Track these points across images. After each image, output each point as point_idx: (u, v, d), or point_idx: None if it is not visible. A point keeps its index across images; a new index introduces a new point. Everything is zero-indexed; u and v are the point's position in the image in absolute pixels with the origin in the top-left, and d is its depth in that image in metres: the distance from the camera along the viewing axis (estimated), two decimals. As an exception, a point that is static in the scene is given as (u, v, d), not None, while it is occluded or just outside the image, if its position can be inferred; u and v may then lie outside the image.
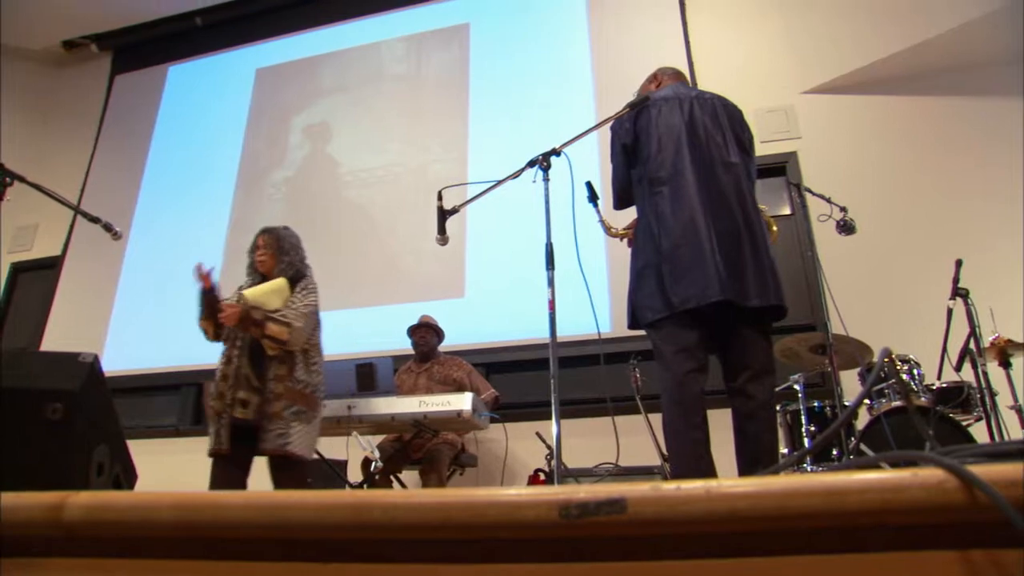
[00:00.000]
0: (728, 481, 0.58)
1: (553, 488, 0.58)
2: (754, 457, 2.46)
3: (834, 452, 3.26)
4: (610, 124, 2.78)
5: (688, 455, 2.40)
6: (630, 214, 2.91)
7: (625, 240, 2.95)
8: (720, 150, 2.66)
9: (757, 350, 2.58)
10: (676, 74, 3.06)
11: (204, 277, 3.20)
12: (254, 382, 3.15)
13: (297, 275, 3.38)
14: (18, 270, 6.80)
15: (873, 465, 0.60)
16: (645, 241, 2.62)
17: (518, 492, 0.58)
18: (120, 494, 0.73)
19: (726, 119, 2.78)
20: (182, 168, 6.61)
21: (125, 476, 1.93)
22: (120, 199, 6.43)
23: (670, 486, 0.58)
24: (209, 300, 3.21)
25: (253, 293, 3.24)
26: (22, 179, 2.70)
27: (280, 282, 3.31)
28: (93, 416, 1.76)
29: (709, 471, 2.43)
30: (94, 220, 3.14)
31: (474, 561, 0.64)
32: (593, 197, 2.82)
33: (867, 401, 3.39)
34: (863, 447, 2.98)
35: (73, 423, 1.74)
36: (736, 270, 2.48)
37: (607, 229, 2.93)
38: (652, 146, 2.66)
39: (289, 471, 3.09)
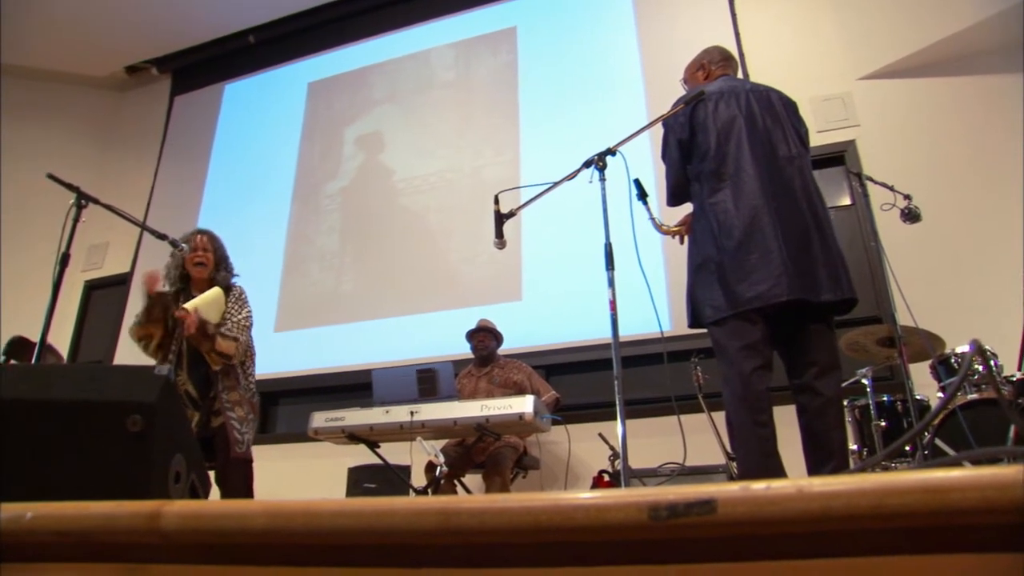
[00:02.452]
0: (819, 479, 0.57)
1: (641, 490, 0.58)
2: (824, 456, 2.41)
3: (907, 448, 3.17)
4: (668, 114, 2.70)
5: (756, 454, 2.36)
6: (681, 210, 2.88)
7: (677, 237, 2.91)
8: (780, 143, 2.61)
9: (823, 345, 2.53)
10: (725, 61, 2.97)
11: (153, 281, 3.17)
12: (195, 398, 3.15)
13: (228, 285, 3.37)
14: (91, 287, 7.07)
15: (955, 463, 0.58)
16: (705, 238, 2.57)
17: (606, 495, 0.58)
18: (213, 503, 0.75)
19: (783, 111, 2.72)
20: (240, 183, 6.79)
21: (200, 484, 1.99)
22: (183, 215, 6.62)
23: (760, 485, 0.57)
24: (160, 305, 3.16)
25: (197, 306, 3.15)
26: (96, 201, 2.82)
27: (217, 292, 3.27)
28: (169, 427, 1.82)
29: (778, 470, 2.38)
30: (161, 237, 3.25)
31: (561, 564, 0.64)
32: (642, 195, 2.78)
33: (940, 395, 3.28)
34: (938, 442, 2.88)
35: (152, 434, 1.80)
36: (806, 266, 2.43)
37: (658, 226, 2.88)
38: (710, 141, 2.61)
39: (247, 472, 3.17)
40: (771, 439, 2.39)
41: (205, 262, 3.30)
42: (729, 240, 2.47)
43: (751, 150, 2.56)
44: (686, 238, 2.84)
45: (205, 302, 3.18)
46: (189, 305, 3.12)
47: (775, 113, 2.70)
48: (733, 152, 2.57)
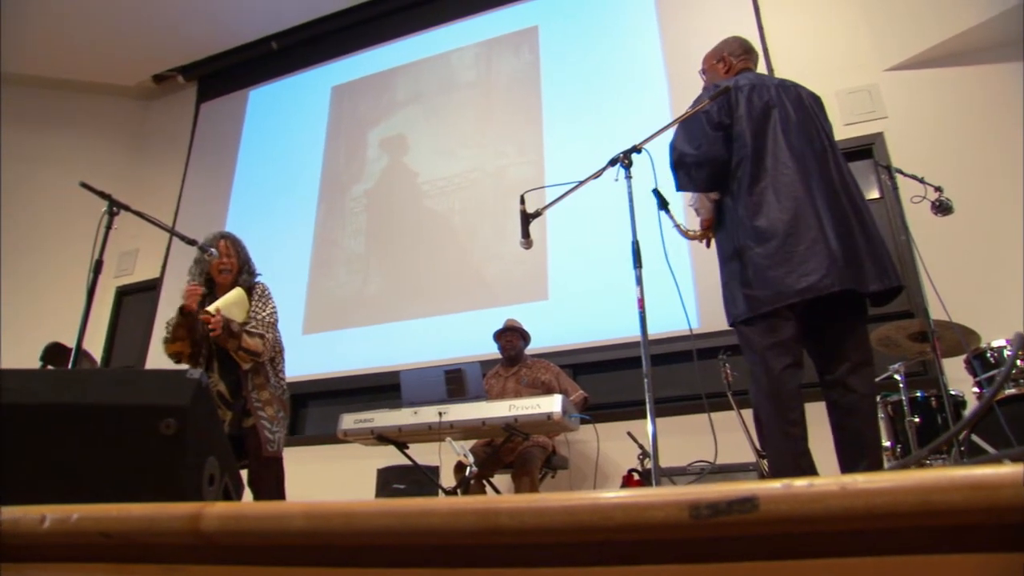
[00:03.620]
0: (863, 476, 0.56)
1: (682, 488, 0.58)
2: (857, 453, 2.37)
3: (936, 441, 3.12)
4: (700, 108, 2.61)
5: (788, 454, 2.32)
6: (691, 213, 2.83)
7: (704, 241, 2.87)
8: (814, 137, 2.58)
9: (856, 339, 2.49)
10: (747, 54, 2.90)
11: (194, 297, 3.19)
12: (227, 398, 3.19)
13: (251, 285, 3.40)
14: (123, 293, 7.19)
15: (995, 461, 0.57)
16: (739, 231, 2.49)
17: (646, 493, 0.58)
18: (253, 504, 0.76)
19: (812, 106, 2.70)
20: (266, 187, 6.86)
21: (233, 486, 2.02)
22: (210, 220, 6.70)
23: (803, 483, 0.57)
24: (189, 321, 3.19)
25: (220, 307, 3.18)
26: (127, 208, 2.86)
27: (240, 293, 3.29)
28: (202, 430, 1.85)
29: (810, 469, 2.35)
30: (191, 242, 3.29)
31: (599, 564, 0.64)
32: (663, 204, 2.72)
33: (976, 390, 3.23)
34: (975, 438, 2.84)
35: (186, 437, 1.82)
36: (852, 256, 2.38)
37: (684, 232, 2.83)
38: (746, 133, 2.54)
39: (278, 471, 3.19)
40: (803, 439, 2.35)
41: (230, 268, 3.35)
42: (772, 232, 2.40)
43: (787, 142, 2.51)
44: (713, 240, 2.80)
45: (228, 303, 3.21)
46: (212, 307, 3.15)
47: (805, 108, 2.66)
48: (770, 144, 2.51)
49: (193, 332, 3.20)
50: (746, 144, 2.54)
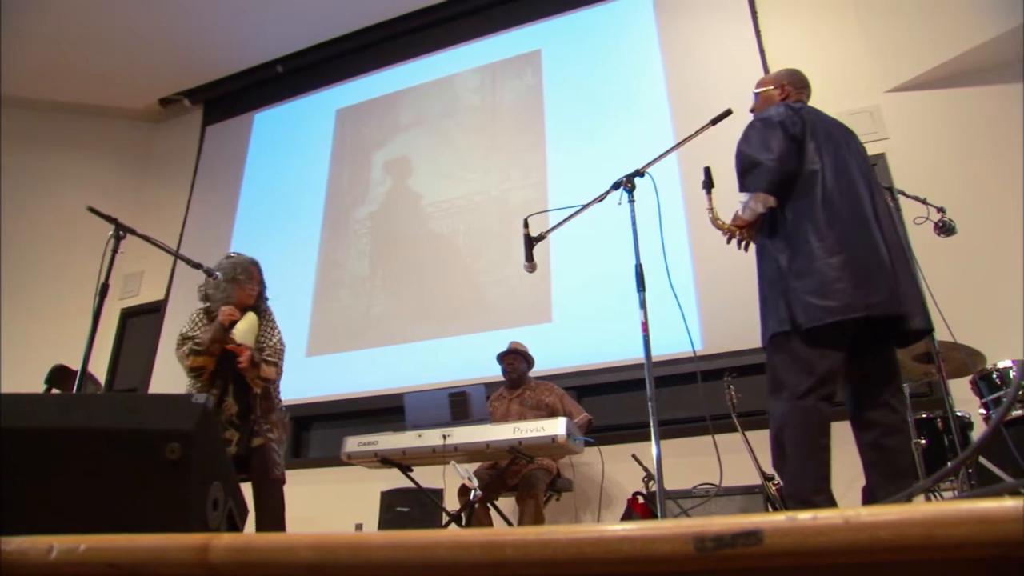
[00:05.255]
0: (867, 509, 0.56)
1: (686, 521, 0.58)
2: (900, 471, 2.41)
3: (946, 467, 3.10)
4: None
5: (814, 478, 2.32)
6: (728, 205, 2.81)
7: (728, 237, 2.83)
8: (867, 171, 2.62)
9: (896, 364, 2.57)
10: (805, 89, 2.94)
11: (232, 317, 3.25)
12: (236, 420, 3.23)
13: (264, 309, 3.48)
14: (127, 315, 7.20)
15: (1012, 491, 0.57)
16: (804, 243, 2.46)
17: (651, 526, 0.58)
18: (260, 536, 0.76)
19: (853, 141, 2.75)
20: (271, 210, 6.90)
21: (238, 511, 2.01)
22: (215, 243, 6.73)
23: (807, 515, 0.57)
24: (224, 339, 3.23)
25: (240, 338, 3.24)
26: (133, 232, 2.88)
27: (253, 319, 3.35)
28: (207, 454, 1.85)
29: (830, 498, 2.36)
30: (196, 266, 3.32)
31: (605, 595, 0.64)
32: (709, 183, 2.74)
33: (982, 411, 3.22)
34: (982, 460, 2.82)
35: (190, 462, 1.82)
36: (905, 288, 2.44)
37: (714, 219, 2.81)
38: (817, 153, 2.57)
39: (279, 494, 3.22)
40: (828, 464, 2.37)
41: (254, 296, 3.41)
42: (844, 247, 2.40)
43: (855, 167, 2.57)
44: (750, 244, 2.79)
45: (244, 331, 3.27)
46: (237, 337, 3.21)
47: (859, 145, 2.74)
48: (841, 165, 2.55)
49: (222, 349, 3.25)
50: (816, 161, 2.55)
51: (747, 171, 2.62)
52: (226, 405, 3.22)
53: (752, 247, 2.80)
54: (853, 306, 2.32)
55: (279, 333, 3.45)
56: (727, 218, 2.81)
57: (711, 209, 2.78)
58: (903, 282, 2.44)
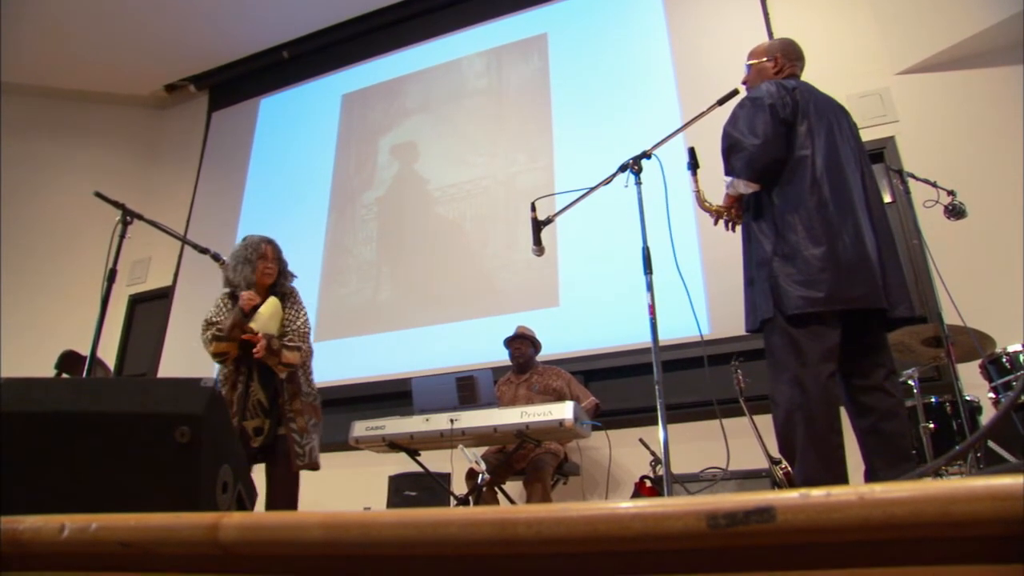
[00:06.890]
0: (881, 486, 0.56)
1: (699, 498, 0.58)
2: (900, 455, 2.40)
3: (956, 449, 3.10)
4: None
5: (829, 462, 2.30)
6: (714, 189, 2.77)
7: (715, 218, 2.78)
8: (858, 155, 2.59)
9: (887, 348, 2.55)
10: (799, 61, 2.85)
11: (252, 302, 3.18)
12: (265, 406, 3.17)
13: (288, 290, 3.39)
14: (135, 301, 7.23)
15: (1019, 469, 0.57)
16: (790, 231, 2.44)
17: (664, 503, 0.58)
18: (270, 515, 0.76)
19: (846, 120, 2.71)
20: (277, 195, 6.89)
21: (247, 493, 2.03)
22: (222, 228, 6.74)
23: (820, 492, 0.57)
24: (243, 325, 3.16)
25: (261, 325, 3.15)
26: (141, 217, 2.89)
27: (275, 303, 3.25)
28: (216, 438, 1.86)
29: (844, 477, 2.34)
30: (203, 251, 3.32)
31: (617, 573, 0.64)
32: (694, 165, 2.67)
33: (991, 396, 3.20)
34: (990, 443, 2.81)
35: (199, 445, 1.83)
36: (890, 278, 2.44)
37: (701, 201, 2.73)
38: (808, 138, 2.52)
39: (294, 487, 3.15)
40: (842, 447, 2.34)
41: (271, 272, 3.32)
42: (830, 237, 2.38)
43: (842, 149, 2.53)
44: (737, 226, 2.74)
45: (265, 317, 3.18)
46: (254, 325, 3.13)
47: (850, 124, 2.69)
48: (831, 153, 2.51)
49: (239, 335, 3.18)
50: (807, 147, 2.51)
51: (731, 153, 2.58)
52: (252, 390, 3.15)
53: (739, 229, 2.75)
54: (835, 298, 2.33)
55: (304, 315, 3.34)
56: (716, 200, 2.77)
57: (698, 191, 2.72)
58: (889, 272, 2.44)
